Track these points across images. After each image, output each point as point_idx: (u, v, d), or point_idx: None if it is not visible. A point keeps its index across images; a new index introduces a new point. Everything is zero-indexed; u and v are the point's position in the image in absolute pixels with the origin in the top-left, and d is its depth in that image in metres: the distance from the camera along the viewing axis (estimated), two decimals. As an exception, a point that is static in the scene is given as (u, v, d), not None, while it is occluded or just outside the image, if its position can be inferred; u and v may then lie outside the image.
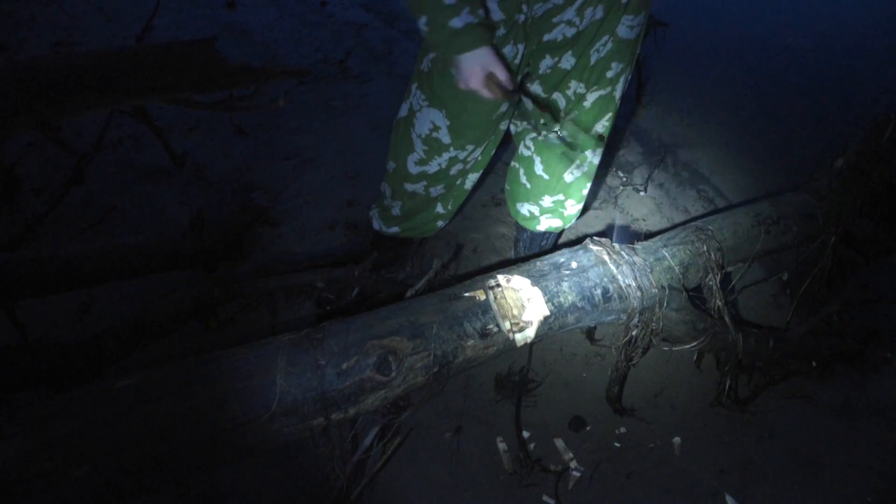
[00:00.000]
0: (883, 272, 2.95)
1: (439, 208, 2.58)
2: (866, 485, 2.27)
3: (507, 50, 1.99)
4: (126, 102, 2.64)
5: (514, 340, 1.80)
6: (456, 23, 1.77)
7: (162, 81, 2.65)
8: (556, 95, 2.24)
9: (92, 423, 1.50)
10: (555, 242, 2.87)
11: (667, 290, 2.03)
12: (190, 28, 4.44)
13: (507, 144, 2.66)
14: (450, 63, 1.96)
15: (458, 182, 2.48)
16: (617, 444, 2.32)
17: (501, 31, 1.94)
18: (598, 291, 1.93)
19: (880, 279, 2.93)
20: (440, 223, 2.67)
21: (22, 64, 2.55)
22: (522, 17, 1.92)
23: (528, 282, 1.85)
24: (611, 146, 3.68)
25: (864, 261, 2.74)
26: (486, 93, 1.90)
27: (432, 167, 2.32)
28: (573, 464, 2.24)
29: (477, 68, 1.84)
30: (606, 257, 1.99)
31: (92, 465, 1.47)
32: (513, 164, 2.63)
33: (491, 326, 1.79)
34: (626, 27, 2.04)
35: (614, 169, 3.61)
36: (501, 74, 1.86)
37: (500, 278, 1.86)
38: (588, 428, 2.35)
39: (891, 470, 2.32)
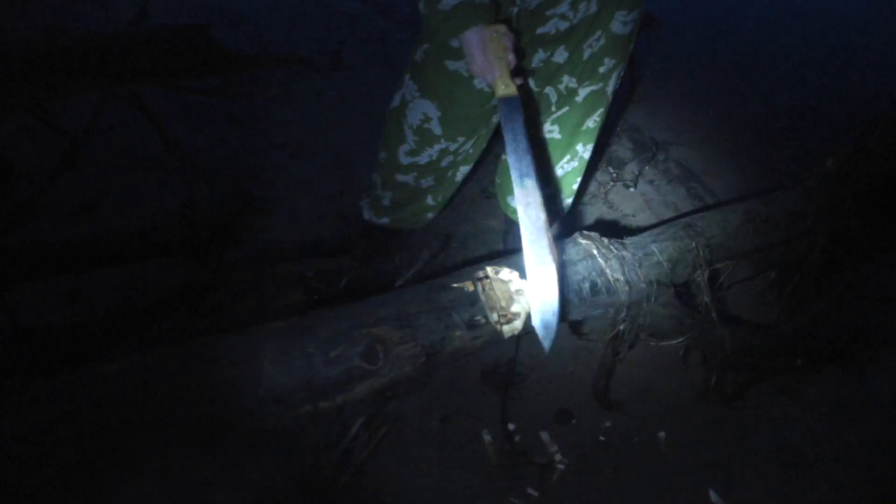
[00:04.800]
0: (870, 272, 2.96)
1: (429, 200, 2.58)
2: (848, 480, 2.29)
3: None
4: (119, 87, 2.63)
5: (501, 332, 1.81)
6: (446, 4, 1.76)
7: (155, 67, 2.65)
8: (549, 90, 2.25)
9: (79, 407, 1.50)
10: (544, 236, 2.88)
11: (655, 286, 2.04)
12: (184, 14, 4.41)
13: (499, 137, 2.66)
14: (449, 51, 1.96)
15: (449, 174, 2.48)
16: (602, 438, 2.33)
17: None
18: (587, 285, 1.94)
19: (867, 279, 2.95)
20: (430, 215, 2.67)
21: (14, 46, 2.54)
22: (516, 10, 1.92)
23: (516, 274, 1.86)
24: (602, 142, 3.67)
25: (852, 261, 2.76)
26: (478, 70, 1.84)
27: (423, 158, 2.32)
28: (558, 456, 2.25)
29: (474, 49, 1.80)
30: (595, 251, 2.00)
31: (79, 449, 1.47)
32: (503, 157, 2.63)
33: (479, 318, 1.79)
34: (619, 23, 2.05)
35: (605, 164, 3.62)
36: (508, 43, 1.83)
37: (489, 270, 1.87)
38: (574, 421, 2.37)
39: (874, 466, 2.34)
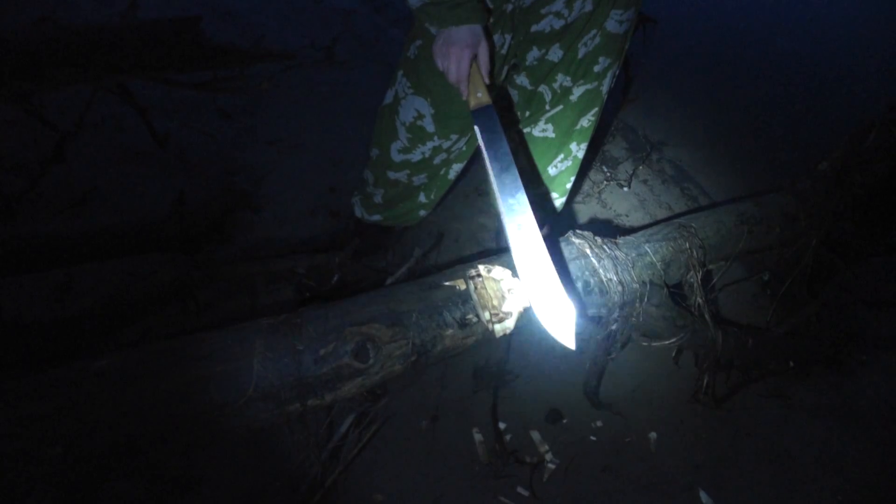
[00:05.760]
0: (862, 276, 2.97)
1: (422, 198, 2.56)
2: (837, 482, 2.29)
3: (495, 39, 1.97)
4: (109, 79, 2.61)
5: (493, 331, 1.80)
6: None
7: (146, 59, 2.62)
8: (543, 88, 2.24)
9: (67, 403, 1.48)
10: (537, 235, 2.87)
11: (648, 286, 2.03)
12: (175, 7, 4.39)
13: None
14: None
15: (442, 172, 2.47)
16: (593, 438, 2.32)
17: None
18: (579, 284, 1.93)
19: (858, 282, 2.95)
20: (422, 213, 2.66)
21: (2, 36, 2.51)
22: (511, 7, 1.91)
23: (508, 272, 1.84)
24: (596, 141, 3.68)
25: (844, 264, 2.76)
26: (464, 76, 1.83)
27: (415, 156, 2.31)
28: (548, 456, 2.24)
29: (455, 46, 1.80)
30: (588, 251, 1.99)
31: (66, 446, 1.45)
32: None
33: (470, 316, 1.78)
34: (615, 21, 2.03)
35: (599, 164, 3.62)
36: (484, 62, 1.84)
37: (481, 268, 1.86)
38: (565, 421, 2.36)
39: (861, 469, 2.34)
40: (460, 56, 1.80)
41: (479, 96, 1.83)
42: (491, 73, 1.90)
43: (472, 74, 1.83)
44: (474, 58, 1.82)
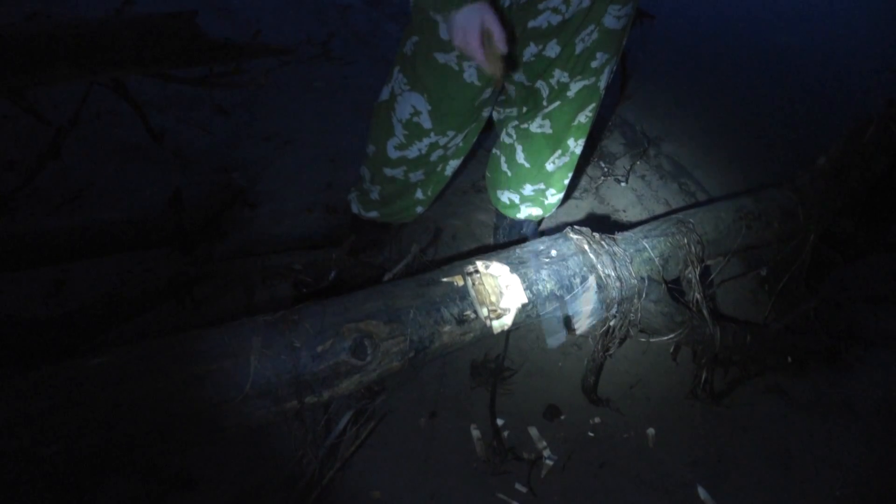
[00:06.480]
0: (859, 272, 2.97)
1: (419, 194, 2.56)
2: (835, 479, 2.29)
3: None
4: (103, 75, 2.59)
5: (491, 327, 1.79)
6: None
7: (141, 54, 2.61)
8: (540, 84, 2.23)
9: (63, 401, 1.47)
10: (534, 230, 2.86)
11: (646, 282, 2.03)
12: (171, 1, 4.36)
13: (490, 131, 2.64)
14: (445, 27, 1.87)
15: (439, 168, 2.46)
16: (591, 434, 2.32)
17: None
18: (578, 280, 1.93)
19: (856, 279, 2.95)
20: (419, 209, 2.65)
21: (-4, 32, 2.49)
22: (508, 2, 1.90)
23: (506, 269, 1.84)
24: (593, 136, 3.67)
25: (842, 260, 2.76)
26: (481, 58, 1.77)
27: (412, 152, 2.30)
28: (546, 452, 2.23)
29: (471, 27, 1.72)
30: (586, 246, 1.99)
31: (62, 445, 1.45)
32: (494, 151, 2.62)
33: (468, 312, 1.78)
34: (612, 17, 2.03)
35: (596, 159, 3.61)
36: (498, 33, 1.73)
37: (479, 264, 1.85)
38: (562, 417, 2.35)
39: (860, 465, 2.34)
40: (468, 37, 1.76)
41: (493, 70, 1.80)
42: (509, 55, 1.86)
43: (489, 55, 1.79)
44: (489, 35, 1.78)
